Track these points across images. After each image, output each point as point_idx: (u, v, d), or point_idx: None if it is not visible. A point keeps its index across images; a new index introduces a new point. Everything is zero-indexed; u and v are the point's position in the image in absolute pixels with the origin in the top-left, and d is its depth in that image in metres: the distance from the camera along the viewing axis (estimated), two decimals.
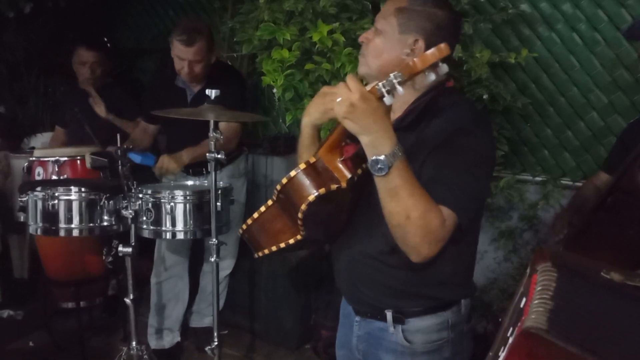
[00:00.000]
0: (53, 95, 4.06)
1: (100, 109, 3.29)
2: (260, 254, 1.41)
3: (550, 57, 2.71)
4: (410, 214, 1.14)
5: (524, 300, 0.88)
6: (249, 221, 1.40)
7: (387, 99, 1.09)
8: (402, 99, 1.30)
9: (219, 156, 2.10)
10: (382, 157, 1.10)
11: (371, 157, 1.12)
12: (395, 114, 1.34)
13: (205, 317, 3.01)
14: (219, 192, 2.24)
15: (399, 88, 1.08)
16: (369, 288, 1.41)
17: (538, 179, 2.82)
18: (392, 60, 1.31)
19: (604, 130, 2.64)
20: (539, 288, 0.83)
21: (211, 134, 2.10)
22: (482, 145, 1.27)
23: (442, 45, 1.06)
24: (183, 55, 2.57)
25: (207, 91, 2.08)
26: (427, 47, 1.24)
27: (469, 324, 1.45)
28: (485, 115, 1.38)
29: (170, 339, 2.95)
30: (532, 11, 2.71)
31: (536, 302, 0.80)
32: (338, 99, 1.11)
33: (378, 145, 1.11)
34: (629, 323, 0.79)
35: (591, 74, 2.64)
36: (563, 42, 2.68)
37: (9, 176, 3.50)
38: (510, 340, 0.82)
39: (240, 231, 1.43)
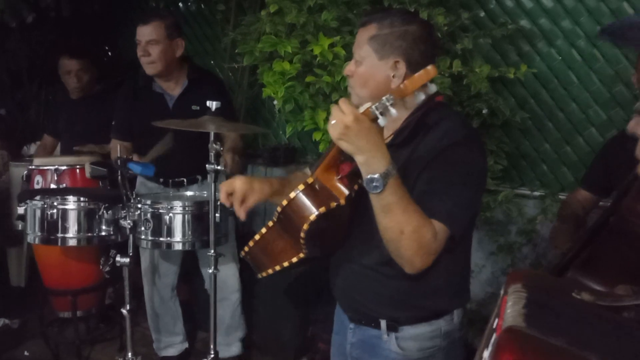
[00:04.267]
0: (53, 104, 4.06)
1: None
2: (264, 274, 1.44)
3: (549, 72, 2.73)
4: (403, 229, 1.19)
5: (496, 321, 0.89)
6: (251, 243, 1.43)
7: (381, 121, 1.15)
8: (394, 118, 1.34)
9: (219, 167, 2.10)
10: (376, 176, 1.15)
11: (366, 176, 1.16)
12: (388, 132, 1.37)
13: (231, 346, 2.91)
14: (218, 203, 2.24)
15: (392, 110, 1.13)
16: (365, 297, 1.44)
17: (537, 193, 2.82)
18: (379, 85, 1.36)
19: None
20: (510, 302, 0.85)
21: (211, 145, 2.10)
22: (473, 158, 1.32)
23: (430, 67, 1.14)
24: (139, 37, 2.52)
25: (208, 103, 2.09)
26: (409, 64, 1.32)
27: (461, 332, 1.49)
28: (475, 129, 1.51)
29: (179, 347, 2.96)
30: (532, 27, 2.73)
31: (509, 311, 0.81)
32: (332, 122, 1.15)
33: (372, 164, 1.15)
34: (597, 337, 0.80)
35: (590, 90, 2.66)
36: (562, 58, 2.69)
37: (4, 174, 3.49)
38: (486, 355, 0.83)
39: (243, 253, 1.45)
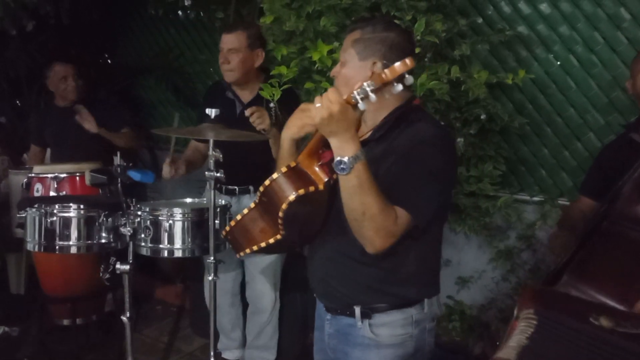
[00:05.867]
0: (37, 113, 4.01)
1: (91, 125, 3.25)
2: (242, 253, 1.54)
3: (547, 78, 2.74)
4: (365, 210, 1.31)
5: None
6: (232, 223, 1.53)
7: (361, 105, 1.25)
8: (375, 114, 1.50)
9: (219, 175, 2.10)
10: (345, 159, 1.27)
11: (336, 158, 1.29)
12: (369, 127, 1.52)
13: (264, 352, 2.90)
14: (218, 210, 2.24)
15: (372, 95, 1.23)
16: (341, 284, 1.54)
17: (536, 198, 2.83)
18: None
19: None
20: (517, 331, 0.84)
21: (210, 152, 2.11)
22: (440, 155, 1.43)
23: (408, 59, 1.24)
24: (222, 44, 2.55)
25: (207, 110, 2.10)
26: (385, 66, 1.39)
27: (432, 323, 1.61)
28: (446, 129, 1.69)
29: (236, 353, 2.98)
30: (529, 33, 2.74)
31: (512, 339, 0.81)
32: (317, 104, 1.27)
33: (344, 148, 1.28)
34: None
35: (588, 95, 2.67)
36: (560, 64, 2.71)
37: (4, 179, 3.49)
38: None
39: (224, 233, 1.55)
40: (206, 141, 2.69)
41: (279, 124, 2.52)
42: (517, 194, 2.87)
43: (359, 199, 1.30)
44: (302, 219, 1.44)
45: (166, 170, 2.49)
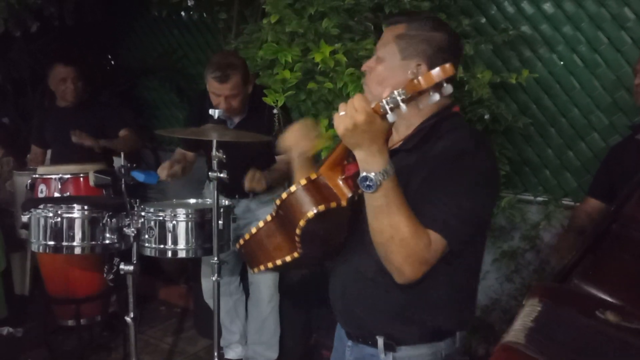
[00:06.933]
0: (37, 113, 4.02)
1: (90, 142, 3.20)
2: (256, 270, 1.39)
3: (551, 78, 2.73)
4: (393, 233, 1.16)
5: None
6: (247, 236, 1.38)
7: (390, 116, 1.08)
8: (408, 122, 1.33)
9: (222, 175, 2.11)
10: (371, 175, 1.13)
11: (362, 173, 1.14)
12: (401, 136, 1.35)
13: (267, 350, 2.90)
14: (221, 210, 2.24)
15: (403, 106, 1.07)
16: (362, 309, 1.38)
17: (539, 199, 2.82)
18: (396, 85, 1.26)
19: (605, 151, 2.63)
20: (522, 314, 0.83)
21: (214, 152, 2.11)
22: (481, 168, 1.26)
23: (447, 65, 1.06)
24: (219, 92, 2.51)
25: (211, 111, 2.11)
26: (430, 69, 1.21)
27: (463, 358, 1.43)
28: (486, 140, 1.44)
29: (239, 351, 2.99)
30: (533, 33, 2.73)
31: (517, 323, 0.81)
32: (341, 113, 1.12)
33: (370, 162, 1.13)
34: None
35: (592, 95, 2.66)
36: (564, 64, 2.70)
37: (9, 180, 3.50)
38: None
39: (238, 246, 1.41)
40: (195, 148, 2.77)
41: (282, 130, 2.52)
42: (521, 195, 2.86)
43: (386, 220, 1.16)
44: (322, 236, 1.30)
45: (162, 172, 2.51)
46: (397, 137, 1.36)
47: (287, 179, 2.81)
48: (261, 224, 1.35)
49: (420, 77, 1.06)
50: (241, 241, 1.40)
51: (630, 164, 2.02)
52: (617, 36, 2.55)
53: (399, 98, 1.06)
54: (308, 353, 3.05)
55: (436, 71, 1.05)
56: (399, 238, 1.15)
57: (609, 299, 1.02)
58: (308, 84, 2.59)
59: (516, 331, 0.78)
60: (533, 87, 2.76)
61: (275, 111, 2.40)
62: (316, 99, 2.63)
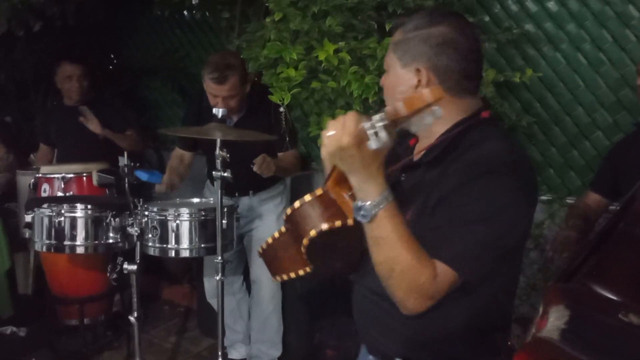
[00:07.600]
0: (44, 111, 4.03)
1: (95, 126, 3.24)
2: (278, 278, 1.35)
3: (555, 76, 2.73)
4: (393, 266, 1.06)
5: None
6: (264, 245, 1.35)
7: (372, 143, 0.97)
8: (431, 130, 1.19)
9: (226, 174, 2.10)
10: (366, 204, 1.04)
11: (356, 202, 1.05)
12: (424, 144, 1.22)
13: (270, 349, 2.88)
14: (225, 210, 2.24)
15: (382, 134, 0.96)
16: (377, 330, 1.29)
17: (544, 198, 2.81)
18: (407, 94, 1.17)
19: None
20: (552, 318, 0.83)
21: (217, 151, 2.11)
22: (512, 186, 1.10)
23: (433, 88, 0.98)
24: (216, 93, 2.48)
25: (214, 110, 2.10)
26: (437, 71, 1.16)
27: None
28: (522, 153, 1.25)
29: (242, 351, 2.98)
30: (537, 31, 2.73)
31: (549, 322, 0.81)
32: (329, 133, 1.01)
33: (364, 190, 1.04)
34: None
35: (596, 94, 2.65)
36: (568, 62, 2.69)
37: (9, 174, 3.50)
38: None
39: (260, 250, 1.38)
40: (193, 148, 2.75)
41: (289, 128, 2.52)
42: None
43: (385, 252, 1.06)
44: (332, 253, 1.24)
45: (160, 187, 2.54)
46: (421, 146, 1.24)
47: (291, 174, 2.80)
48: (276, 234, 1.31)
49: (399, 103, 0.97)
50: (262, 247, 1.37)
51: (634, 160, 2.02)
52: (621, 34, 2.54)
53: (377, 124, 0.97)
54: (311, 352, 3.05)
55: (418, 95, 0.98)
56: (399, 270, 1.06)
57: (617, 298, 1.02)
58: (312, 83, 2.59)
59: (549, 330, 0.77)
60: (537, 85, 2.75)
61: (281, 109, 2.39)
62: (319, 97, 2.63)
